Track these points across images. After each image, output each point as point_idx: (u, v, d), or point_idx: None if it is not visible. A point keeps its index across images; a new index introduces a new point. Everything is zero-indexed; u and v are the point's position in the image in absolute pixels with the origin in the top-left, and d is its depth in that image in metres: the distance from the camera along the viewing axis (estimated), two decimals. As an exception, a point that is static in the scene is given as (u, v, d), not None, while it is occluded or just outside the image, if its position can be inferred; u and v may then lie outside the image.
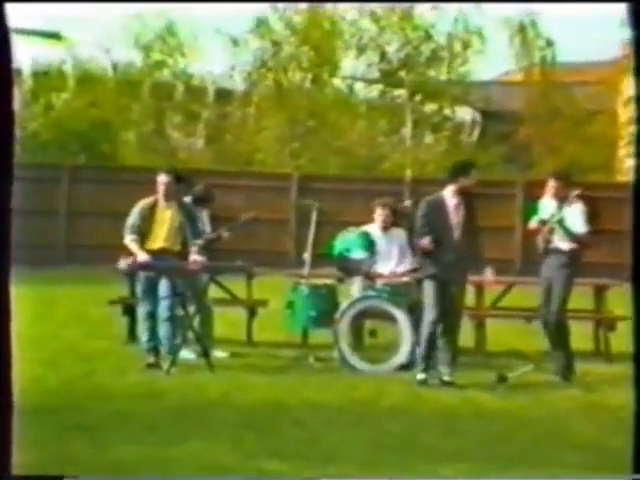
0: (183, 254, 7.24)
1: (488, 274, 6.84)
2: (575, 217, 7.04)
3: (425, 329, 6.82)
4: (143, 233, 7.25)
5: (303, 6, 19.97)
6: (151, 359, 7.18)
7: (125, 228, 7.31)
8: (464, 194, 6.87)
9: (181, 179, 7.58)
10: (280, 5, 19.67)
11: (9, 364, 3.20)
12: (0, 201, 3.11)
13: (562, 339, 7.11)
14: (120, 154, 19.02)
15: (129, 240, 7.27)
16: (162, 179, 7.31)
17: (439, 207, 6.81)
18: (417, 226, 6.92)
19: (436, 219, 6.78)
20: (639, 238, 3.88)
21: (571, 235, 7.00)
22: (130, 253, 7.24)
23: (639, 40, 3.69)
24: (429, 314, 6.79)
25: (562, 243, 7.10)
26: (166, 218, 7.30)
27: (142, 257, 7.17)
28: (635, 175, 4.02)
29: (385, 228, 8.00)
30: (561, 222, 7.03)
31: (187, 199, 7.74)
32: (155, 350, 7.22)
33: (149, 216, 7.27)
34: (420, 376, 6.82)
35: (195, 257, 7.19)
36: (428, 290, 6.81)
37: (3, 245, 3.15)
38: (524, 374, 6.87)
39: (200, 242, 7.36)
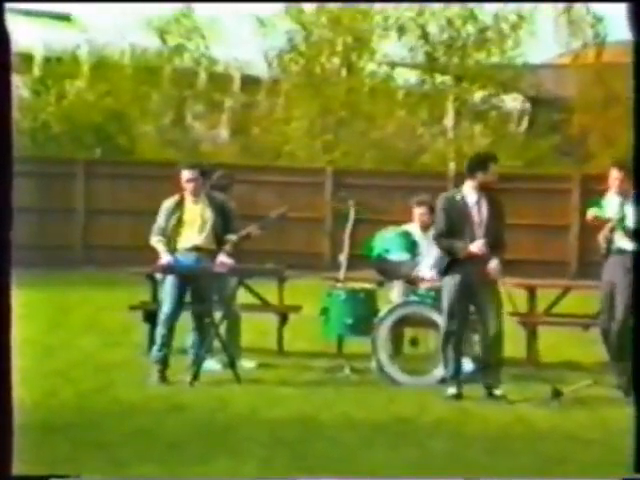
0: (218, 253, 7.28)
1: (493, 265, 6.70)
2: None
3: (446, 339, 6.78)
4: (172, 234, 7.29)
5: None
6: (156, 376, 7.13)
7: (152, 230, 7.39)
8: (486, 190, 6.80)
9: (205, 173, 7.58)
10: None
11: (9, 363, 3.25)
12: None
13: (625, 350, 7.00)
14: (138, 147, 19.14)
15: (155, 241, 7.36)
16: (187, 175, 7.33)
17: (458, 203, 6.76)
18: (436, 222, 6.90)
19: (455, 216, 6.75)
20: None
21: (630, 235, 6.88)
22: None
23: (639, 40, 3.79)
24: (446, 322, 6.76)
25: (625, 243, 6.99)
26: (196, 215, 7.35)
27: (166, 259, 7.22)
28: (635, 177, 4.08)
29: (425, 227, 7.96)
30: (622, 220, 6.92)
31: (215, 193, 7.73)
32: (164, 361, 7.21)
33: (177, 214, 7.31)
34: (452, 390, 6.77)
35: (223, 258, 7.20)
36: (446, 295, 6.76)
37: (3, 246, 3.18)
38: (582, 389, 6.77)
39: (233, 237, 7.37)
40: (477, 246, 6.68)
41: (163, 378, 7.13)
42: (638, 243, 6.62)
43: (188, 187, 7.34)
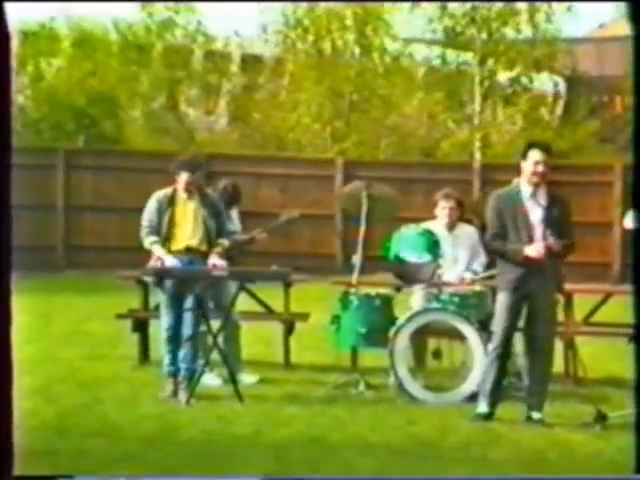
0: (210, 255, 7.30)
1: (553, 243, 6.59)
2: None
3: (491, 352, 6.77)
4: (164, 231, 7.28)
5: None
6: (170, 389, 7.20)
7: (142, 228, 7.35)
8: (547, 184, 6.74)
9: (197, 167, 7.50)
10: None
11: (10, 363, 3.56)
12: None
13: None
14: (126, 135, 19.17)
15: (149, 242, 7.31)
16: (186, 179, 7.31)
17: (513, 200, 6.71)
18: (487, 223, 6.85)
19: (509, 215, 6.69)
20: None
21: None
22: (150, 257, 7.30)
23: (639, 39, 3.98)
24: (496, 333, 6.73)
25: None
26: (189, 211, 7.36)
27: (170, 261, 7.22)
28: (634, 175, 4.13)
29: (451, 225, 7.96)
30: None
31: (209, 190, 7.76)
32: (177, 377, 7.24)
33: (169, 211, 7.30)
34: (482, 409, 6.76)
35: (215, 260, 7.20)
36: (500, 304, 6.75)
37: (3, 248, 3.34)
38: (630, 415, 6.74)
39: (226, 242, 7.38)
40: (535, 249, 6.55)
41: (176, 392, 7.17)
42: (637, 244, 6.59)
43: (185, 187, 7.35)
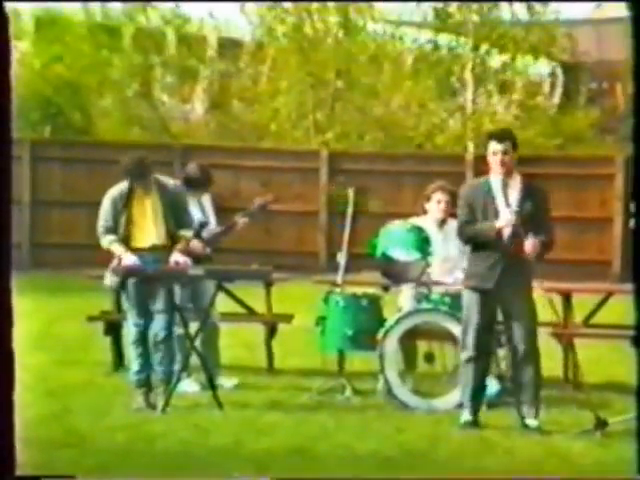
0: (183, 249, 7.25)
1: (529, 243, 6.59)
2: None
3: (464, 353, 6.80)
4: (124, 230, 7.24)
5: None
6: (141, 399, 7.18)
7: (98, 228, 7.31)
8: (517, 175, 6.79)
9: (146, 173, 7.40)
10: None
11: (11, 361, 3.72)
12: None
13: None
14: (96, 125, 19.12)
15: (108, 242, 7.26)
16: (131, 184, 7.28)
17: (483, 191, 6.76)
18: (458, 212, 6.93)
19: (479, 206, 6.74)
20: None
21: None
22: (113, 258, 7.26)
23: (639, 39, 4.10)
24: (467, 335, 6.77)
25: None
26: (147, 207, 7.28)
27: (129, 259, 7.18)
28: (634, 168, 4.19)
29: (442, 221, 7.97)
30: None
31: (177, 182, 7.69)
32: (148, 385, 7.23)
33: (127, 208, 7.25)
34: (466, 417, 6.78)
35: (177, 257, 7.17)
36: (468, 301, 6.79)
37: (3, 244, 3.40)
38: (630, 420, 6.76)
39: (189, 234, 7.32)
40: (504, 219, 6.61)
41: (148, 402, 7.15)
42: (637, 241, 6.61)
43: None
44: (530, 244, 6.55)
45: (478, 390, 6.82)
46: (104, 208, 7.32)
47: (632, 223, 7.18)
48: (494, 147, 6.72)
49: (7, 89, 3.37)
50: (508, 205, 6.65)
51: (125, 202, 7.26)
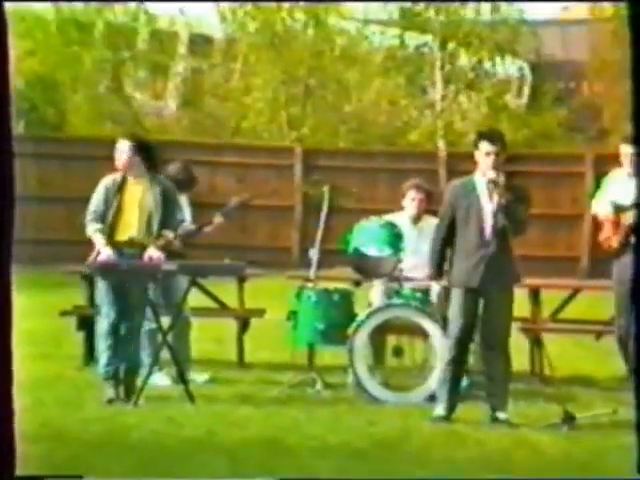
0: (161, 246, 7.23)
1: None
2: None
3: (447, 352, 6.84)
4: (111, 220, 7.22)
5: None
6: (111, 392, 7.17)
7: (87, 214, 7.28)
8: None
9: (145, 148, 7.44)
10: None
11: (10, 365, 3.72)
12: None
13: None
14: (69, 121, 19.01)
15: (92, 230, 7.23)
16: (121, 147, 7.27)
17: (467, 191, 6.79)
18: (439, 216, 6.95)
19: (463, 206, 6.76)
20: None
21: None
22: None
23: (639, 39, 4.15)
24: (451, 332, 6.81)
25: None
26: (135, 200, 7.27)
27: (104, 254, 7.17)
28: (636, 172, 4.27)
29: (417, 217, 8.01)
30: None
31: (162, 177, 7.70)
32: (116, 378, 7.22)
33: (117, 197, 7.24)
34: (439, 412, 6.81)
35: (151, 253, 7.16)
36: (453, 301, 6.82)
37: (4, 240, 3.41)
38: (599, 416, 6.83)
39: (170, 234, 7.33)
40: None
41: (118, 395, 7.14)
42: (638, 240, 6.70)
43: (121, 162, 7.27)
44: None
45: (455, 388, 6.84)
46: (96, 195, 7.28)
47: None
48: (487, 148, 6.71)
49: (7, 89, 3.36)
50: (491, 204, 6.67)
51: (116, 192, 7.23)
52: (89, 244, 7.33)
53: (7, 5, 3.63)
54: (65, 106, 19.21)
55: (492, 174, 6.65)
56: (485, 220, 6.70)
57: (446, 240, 6.83)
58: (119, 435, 6.21)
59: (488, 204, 6.70)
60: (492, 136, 6.86)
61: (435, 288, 6.83)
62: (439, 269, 6.84)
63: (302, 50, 19.56)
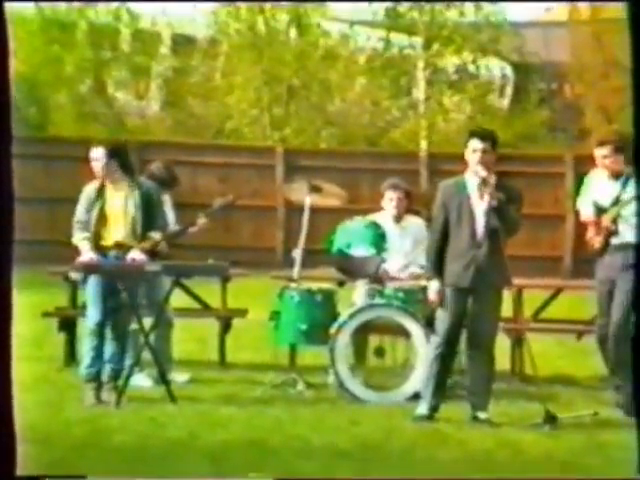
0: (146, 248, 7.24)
1: None
2: None
3: (433, 352, 6.84)
4: (94, 227, 7.22)
5: None
6: (92, 394, 7.14)
7: (74, 223, 7.30)
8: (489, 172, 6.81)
9: (118, 152, 7.40)
10: None
11: (9, 365, 3.83)
12: None
13: (627, 360, 7.10)
14: (52, 121, 18.93)
15: (79, 239, 7.26)
16: (96, 154, 7.28)
17: (459, 191, 6.79)
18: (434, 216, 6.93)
19: (454, 207, 6.75)
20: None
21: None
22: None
23: (638, 39, 4.19)
24: (439, 331, 6.81)
25: (633, 235, 7.07)
26: (117, 205, 7.27)
27: (87, 256, 7.17)
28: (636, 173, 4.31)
29: (398, 217, 8.02)
30: (624, 209, 6.99)
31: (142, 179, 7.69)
32: (97, 380, 7.20)
33: (98, 204, 7.24)
34: (422, 410, 6.81)
35: (134, 254, 7.16)
36: (444, 312, 6.81)
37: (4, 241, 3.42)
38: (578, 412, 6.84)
39: (157, 236, 7.32)
40: (433, 292, 6.74)
41: (99, 398, 7.12)
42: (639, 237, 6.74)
43: (96, 168, 7.29)
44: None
45: (440, 387, 6.84)
46: (80, 204, 7.32)
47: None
48: (475, 145, 6.71)
49: (7, 88, 3.37)
50: (482, 204, 6.66)
51: (97, 199, 7.24)
52: (71, 245, 7.32)
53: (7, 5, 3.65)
54: (47, 106, 19.14)
55: (482, 172, 6.64)
56: (476, 220, 6.70)
57: (441, 240, 6.80)
58: (101, 437, 6.19)
59: (479, 204, 6.70)
60: (482, 133, 6.86)
61: (434, 287, 6.77)
62: (436, 269, 6.81)
63: (285, 50, 19.54)
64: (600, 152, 7.18)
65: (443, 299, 6.73)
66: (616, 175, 7.18)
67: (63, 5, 20.37)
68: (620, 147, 7.17)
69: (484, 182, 6.66)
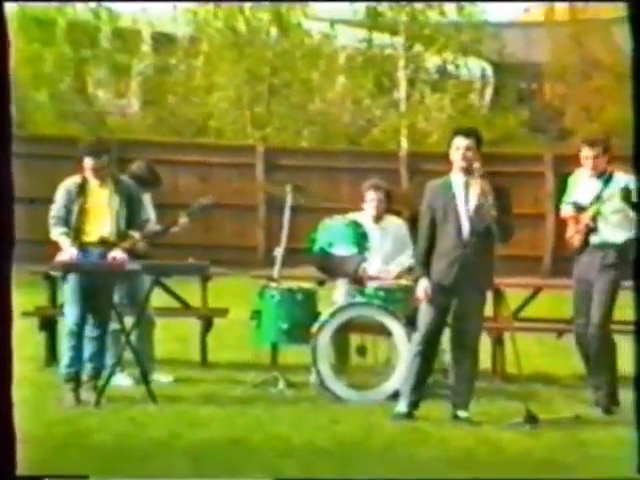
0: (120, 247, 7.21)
1: None
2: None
3: (414, 349, 6.85)
4: (75, 222, 7.19)
5: None
6: (71, 396, 7.12)
7: (50, 218, 7.25)
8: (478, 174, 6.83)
9: (107, 150, 7.41)
10: None
11: (9, 361, 3.82)
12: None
13: (605, 360, 7.16)
14: (31, 120, 18.85)
15: (57, 234, 7.20)
16: (91, 164, 7.21)
17: (444, 191, 6.80)
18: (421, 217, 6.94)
19: (440, 206, 6.76)
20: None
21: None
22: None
23: (638, 39, 4.16)
24: (420, 327, 6.82)
25: (613, 234, 7.13)
26: (101, 200, 7.25)
27: (68, 253, 7.13)
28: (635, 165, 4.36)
29: (378, 217, 8.03)
30: (628, 195, 6.99)
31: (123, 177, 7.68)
32: (77, 380, 7.18)
33: (80, 200, 7.20)
34: (401, 408, 6.82)
35: (116, 253, 7.14)
36: (425, 309, 6.82)
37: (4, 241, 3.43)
38: (557, 407, 6.87)
39: (136, 235, 7.31)
40: (421, 289, 6.73)
41: (78, 399, 7.10)
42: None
43: (90, 174, 7.26)
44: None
45: (420, 384, 6.85)
46: (57, 199, 7.26)
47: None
48: (459, 143, 6.73)
49: (7, 88, 3.36)
50: (467, 203, 6.70)
51: (79, 193, 7.20)
52: (51, 244, 7.29)
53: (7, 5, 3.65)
54: (27, 104, 19.05)
55: (464, 164, 6.65)
56: (462, 219, 6.71)
57: (428, 239, 6.79)
58: (82, 437, 6.18)
59: (464, 203, 6.71)
60: (466, 131, 6.88)
61: (422, 285, 6.78)
62: (424, 267, 6.81)
63: (266, 49, 19.54)
64: (590, 153, 7.19)
65: (431, 297, 6.75)
66: (598, 174, 7.22)
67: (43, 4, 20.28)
68: (607, 147, 7.23)
69: (467, 171, 6.65)
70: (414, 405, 6.82)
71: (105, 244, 7.21)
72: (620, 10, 19.39)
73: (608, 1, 17.98)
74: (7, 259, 3.47)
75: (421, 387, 6.86)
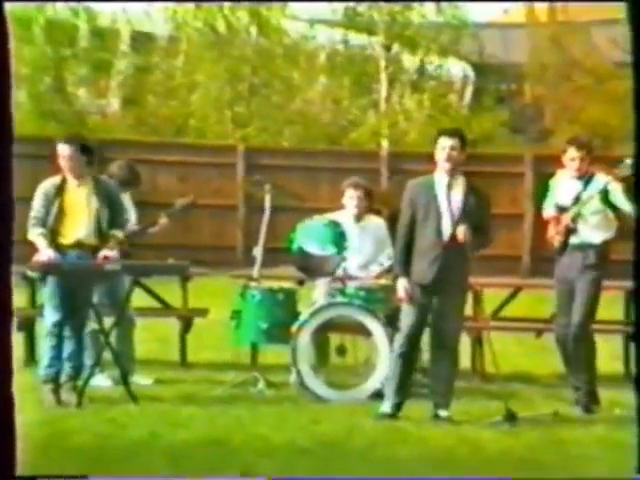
0: (101, 249, 7.17)
1: (461, 230, 6.69)
2: (617, 196, 7.09)
3: (396, 350, 6.87)
4: (54, 225, 7.15)
5: None
6: (51, 396, 7.09)
7: (29, 219, 7.22)
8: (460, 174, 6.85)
9: (88, 149, 7.39)
10: None
11: (10, 363, 3.77)
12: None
13: (585, 359, 7.20)
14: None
15: (35, 235, 7.15)
16: (63, 151, 7.18)
17: (427, 190, 6.82)
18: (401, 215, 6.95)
19: (422, 205, 6.79)
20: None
21: (619, 215, 7.03)
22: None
23: (638, 39, 4.20)
24: (403, 328, 6.84)
25: (592, 234, 7.17)
26: (80, 202, 7.20)
27: (45, 255, 7.09)
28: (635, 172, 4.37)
29: (358, 216, 8.04)
30: (607, 196, 7.04)
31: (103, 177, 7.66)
32: (56, 380, 7.15)
33: (57, 201, 7.17)
34: (385, 409, 6.84)
35: (106, 252, 7.12)
36: (407, 309, 6.83)
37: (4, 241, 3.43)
38: (535, 407, 6.90)
39: (120, 234, 7.29)
40: (401, 288, 6.74)
41: (58, 399, 7.07)
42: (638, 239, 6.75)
43: (66, 166, 7.19)
44: (461, 231, 6.62)
45: (403, 385, 6.86)
46: (36, 199, 7.21)
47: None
48: (443, 142, 6.74)
49: (8, 88, 3.36)
50: (449, 203, 6.71)
51: (56, 196, 7.16)
52: (31, 244, 7.25)
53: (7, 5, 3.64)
54: (6, 104, 18.93)
55: (448, 164, 6.67)
56: (443, 219, 6.73)
57: (408, 238, 6.81)
58: (62, 438, 6.15)
59: (446, 203, 6.73)
60: (450, 131, 6.91)
61: (401, 284, 6.79)
62: (404, 266, 6.83)
63: (246, 49, 19.52)
64: (576, 154, 7.21)
65: (411, 296, 6.76)
66: (580, 175, 7.25)
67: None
68: (591, 149, 7.28)
69: (451, 172, 6.68)
70: (398, 406, 6.84)
71: (80, 246, 7.16)
72: (600, 12, 19.55)
73: (608, 1, 18.03)
74: (7, 259, 3.47)
75: (405, 388, 6.87)
